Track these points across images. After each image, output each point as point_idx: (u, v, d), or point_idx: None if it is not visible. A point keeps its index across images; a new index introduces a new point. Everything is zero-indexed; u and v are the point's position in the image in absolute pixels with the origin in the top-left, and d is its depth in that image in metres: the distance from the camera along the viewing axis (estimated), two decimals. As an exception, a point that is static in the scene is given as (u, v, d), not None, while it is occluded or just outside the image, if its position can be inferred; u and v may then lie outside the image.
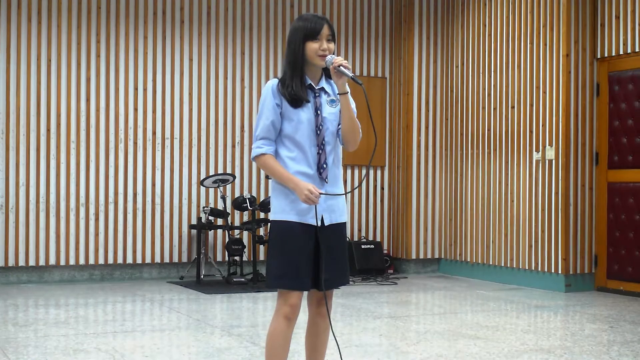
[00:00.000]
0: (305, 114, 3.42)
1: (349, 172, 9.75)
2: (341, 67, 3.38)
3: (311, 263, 3.42)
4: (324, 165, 3.45)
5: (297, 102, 3.41)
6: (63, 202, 8.49)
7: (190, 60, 9.08)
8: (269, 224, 3.54)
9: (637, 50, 7.73)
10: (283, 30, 9.48)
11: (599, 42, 8.12)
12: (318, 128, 3.44)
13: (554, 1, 8.14)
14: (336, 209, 3.51)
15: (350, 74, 3.38)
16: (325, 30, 3.41)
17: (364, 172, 9.85)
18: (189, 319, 6.38)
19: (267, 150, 3.43)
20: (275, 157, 3.46)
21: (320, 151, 3.45)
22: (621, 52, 7.89)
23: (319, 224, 3.43)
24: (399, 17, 9.91)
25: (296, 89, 3.41)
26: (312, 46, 3.41)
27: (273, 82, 3.46)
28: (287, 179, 3.38)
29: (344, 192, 3.54)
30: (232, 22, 9.29)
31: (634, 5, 7.73)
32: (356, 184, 9.76)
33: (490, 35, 9.02)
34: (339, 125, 3.51)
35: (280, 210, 3.44)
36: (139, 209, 8.81)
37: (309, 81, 3.47)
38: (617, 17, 7.91)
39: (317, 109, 3.45)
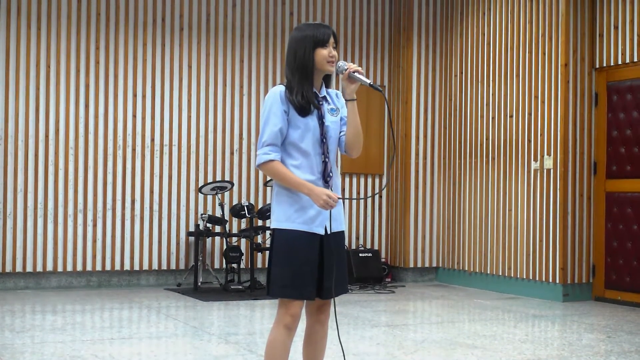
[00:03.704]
0: (312, 121, 3.40)
1: (347, 180, 9.74)
2: (356, 73, 3.37)
3: (316, 272, 3.40)
4: (330, 174, 3.43)
5: (306, 109, 3.38)
6: (61, 208, 8.48)
7: (189, 67, 9.09)
8: (272, 232, 3.48)
9: (635, 60, 7.75)
10: (282, 38, 9.50)
11: (597, 52, 8.14)
12: (323, 136, 3.43)
13: (553, 11, 8.16)
14: (338, 217, 3.50)
15: (368, 81, 3.36)
16: (331, 38, 3.42)
17: (363, 180, 9.85)
18: (186, 326, 6.37)
19: (275, 157, 3.37)
20: None
21: (327, 159, 3.43)
22: (620, 62, 7.91)
23: (325, 231, 3.41)
24: (398, 26, 9.93)
25: (308, 95, 3.39)
26: (322, 53, 3.39)
27: (279, 88, 3.42)
28: (301, 185, 3.34)
29: (362, 197, 3.54)
30: (231, 30, 9.30)
31: (632, 16, 7.75)
32: (354, 193, 9.75)
33: (489, 44, 9.04)
34: (340, 133, 3.51)
35: (285, 219, 3.40)
36: (137, 215, 8.81)
37: (314, 89, 3.46)
38: (616, 27, 7.93)
39: (322, 117, 3.44)
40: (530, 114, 8.43)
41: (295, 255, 3.37)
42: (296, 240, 3.38)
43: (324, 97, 3.48)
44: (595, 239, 8.18)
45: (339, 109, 3.52)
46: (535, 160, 8.34)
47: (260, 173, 9.31)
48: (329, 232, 3.44)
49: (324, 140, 3.43)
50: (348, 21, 9.87)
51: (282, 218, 3.41)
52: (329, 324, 3.61)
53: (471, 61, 9.31)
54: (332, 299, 3.46)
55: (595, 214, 8.19)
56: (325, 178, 3.42)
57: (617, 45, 7.94)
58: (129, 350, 5.35)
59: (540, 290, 8.26)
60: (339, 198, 3.36)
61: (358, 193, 9.81)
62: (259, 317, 7.02)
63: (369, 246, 9.88)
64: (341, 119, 3.52)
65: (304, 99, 3.38)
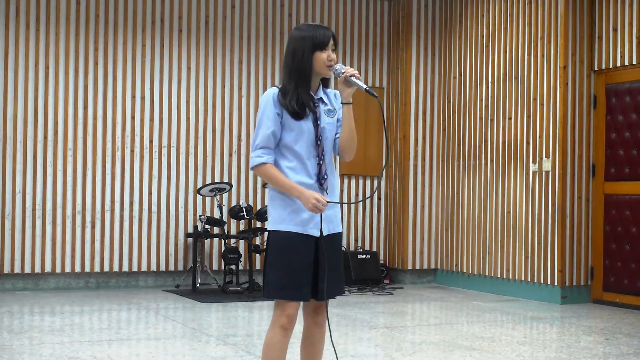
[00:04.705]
0: (306, 124, 3.40)
1: (345, 182, 9.75)
2: (353, 77, 3.36)
3: (310, 273, 3.41)
4: (325, 176, 3.44)
5: (300, 114, 3.37)
6: (59, 209, 8.48)
7: (188, 68, 9.09)
8: (267, 233, 3.51)
9: (634, 62, 7.75)
10: (281, 40, 9.50)
11: (596, 55, 8.15)
12: (318, 139, 3.43)
13: (552, 13, 8.16)
14: (334, 219, 3.50)
15: (364, 86, 3.34)
16: (331, 41, 3.41)
17: (361, 181, 9.85)
18: (184, 327, 6.37)
19: (268, 160, 3.39)
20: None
21: (321, 162, 3.43)
22: (618, 65, 7.92)
23: (320, 233, 3.42)
24: (397, 28, 9.93)
25: (305, 99, 3.38)
26: (320, 56, 3.39)
27: (273, 90, 3.43)
28: (291, 187, 3.36)
29: (352, 202, 3.53)
30: (230, 31, 9.30)
31: (631, 18, 7.75)
32: (352, 194, 9.75)
33: (487, 46, 9.04)
34: (335, 134, 3.51)
35: (280, 221, 3.42)
36: (135, 216, 8.80)
37: (310, 91, 3.45)
38: (615, 30, 7.94)
39: (317, 120, 3.44)
40: (529, 116, 8.43)
41: (290, 256, 3.38)
42: (290, 242, 3.39)
43: (320, 99, 3.48)
44: (594, 241, 8.18)
45: (336, 109, 3.51)
46: (534, 162, 8.35)
47: (259, 174, 9.30)
48: (324, 234, 3.44)
49: (319, 142, 3.43)
50: (347, 23, 9.87)
51: (277, 220, 3.43)
52: (326, 327, 3.61)
53: (470, 63, 9.31)
54: (325, 300, 3.46)
55: (593, 216, 8.19)
56: (320, 180, 3.42)
57: (615, 48, 7.94)
58: (128, 352, 5.35)
59: (539, 292, 8.27)
60: (328, 202, 3.37)
61: (356, 195, 9.81)
62: (257, 318, 7.02)
63: (367, 248, 9.88)
64: (338, 120, 3.52)
65: (298, 103, 3.37)
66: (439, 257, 9.75)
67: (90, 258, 8.61)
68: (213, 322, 6.72)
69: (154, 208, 8.89)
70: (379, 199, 10.01)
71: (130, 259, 8.78)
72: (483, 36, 9.12)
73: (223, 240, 8.67)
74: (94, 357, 5.15)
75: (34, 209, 8.39)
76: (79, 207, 8.58)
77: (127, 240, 8.77)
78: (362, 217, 9.89)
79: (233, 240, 8.96)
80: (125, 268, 8.76)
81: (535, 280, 8.29)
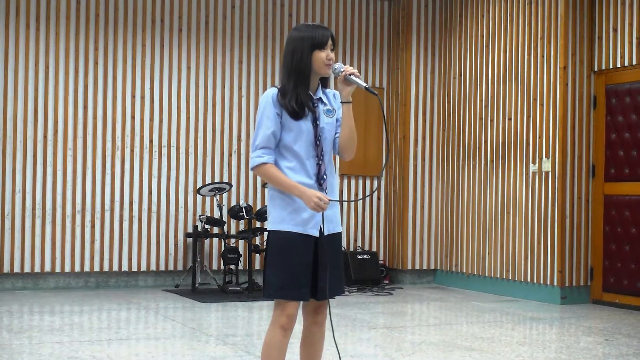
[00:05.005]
0: (305, 124, 3.41)
1: (345, 182, 9.75)
2: (352, 76, 3.37)
3: (310, 273, 3.41)
4: (324, 176, 3.44)
5: (299, 114, 3.38)
6: (59, 209, 8.48)
7: (188, 68, 9.09)
8: (267, 233, 3.52)
9: (634, 63, 7.75)
10: (281, 40, 9.50)
11: (596, 55, 8.15)
12: (317, 139, 3.43)
13: (552, 13, 8.16)
14: (334, 219, 3.51)
15: (364, 84, 3.36)
16: (330, 40, 3.42)
17: (361, 181, 9.85)
18: (184, 327, 6.37)
19: (268, 160, 3.39)
20: None
21: (320, 162, 3.44)
22: (618, 65, 7.92)
23: (320, 233, 3.42)
24: (397, 28, 9.93)
25: (304, 99, 3.38)
26: (319, 55, 3.39)
27: (272, 91, 3.43)
28: (292, 187, 3.36)
29: (353, 200, 3.53)
30: (230, 31, 9.30)
31: (631, 19, 7.75)
32: (352, 194, 9.75)
33: (487, 46, 9.04)
34: (335, 134, 3.51)
35: (280, 221, 3.42)
36: (135, 216, 8.80)
37: (309, 91, 3.45)
38: (615, 30, 7.94)
39: (316, 120, 3.44)
40: (528, 117, 8.43)
41: (290, 256, 3.38)
42: (290, 242, 3.39)
43: (320, 99, 3.48)
44: (593, 241, 8.18)
45: (335, 109, 3.52)
46: (534, 162, 8.35)
47: (259, 174, 9.29)
48: (324, 234, 3.44)
49: (318, 142, 3.43)
50: (347, 23, 9.87)
51: (277, 220, 3.43)
52: (326, 326, 3.61)
53: (470, 63, 9.31)
54: (328, 300, 3.46)
55: (593, 216, 8.19)
56: (319, 180, 3.42)
57: (615, 48, 7.94)
58: (127, 351, 5.35)
59: (538, 292, 8.27)
60: (330, 200, 3.37)
61: (356, 194, 9.82)
62: (257, 318, 7.02)
63: (367, 248, 9.88)
64: (337, 120, 3.52)
65: (298, 103, 3.37)
66: (438, 257, 9.76)
67: (90, 258, 8.61)
68: (212, 322, 6.72)
69: (154, 208, 8.89)
70: (378, 199, 10.01)
71: (130, 259, 8.78)
72: (483, 36, 9.12)
73: (223, 240, 8.67)
74: (93, 356, 5.15)
75: (33, 209, 8.39)
76: (78, 207, 8.58)
77: (127, 240, 8.77)
78: (361, 217, 9.89)
79: (233, 240, 8.96)
80: (124, 268, 8.77)
81: (535, 281, 8.29)
